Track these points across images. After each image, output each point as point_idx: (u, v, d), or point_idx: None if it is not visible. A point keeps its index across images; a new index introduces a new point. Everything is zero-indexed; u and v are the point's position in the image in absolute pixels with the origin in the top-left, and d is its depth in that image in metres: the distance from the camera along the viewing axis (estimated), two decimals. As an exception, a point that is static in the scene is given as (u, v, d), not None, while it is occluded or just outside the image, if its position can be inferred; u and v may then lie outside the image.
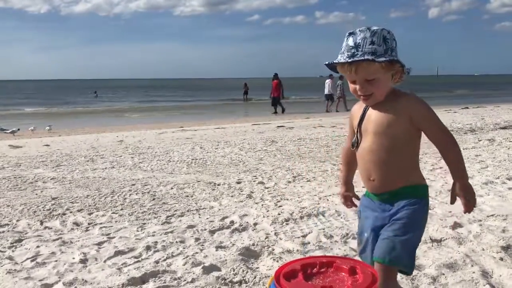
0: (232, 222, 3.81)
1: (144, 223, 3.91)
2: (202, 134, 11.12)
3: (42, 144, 10.06)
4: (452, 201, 1.88)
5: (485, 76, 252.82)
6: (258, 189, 5.02)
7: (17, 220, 4.08)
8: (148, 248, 3.25)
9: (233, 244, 3.30)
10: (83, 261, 3.07)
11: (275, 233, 3.52)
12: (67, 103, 33.98)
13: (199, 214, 4.13)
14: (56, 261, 3.09)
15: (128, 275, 2.79)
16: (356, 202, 2.16)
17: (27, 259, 3.14)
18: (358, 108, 1.99)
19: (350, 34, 1.80)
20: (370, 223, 1.95)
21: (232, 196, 4.76)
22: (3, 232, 3.74)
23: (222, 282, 2.69)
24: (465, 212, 1.87)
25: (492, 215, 3.73)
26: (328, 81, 20.45)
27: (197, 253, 3.16)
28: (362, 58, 1.74)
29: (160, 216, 4.10)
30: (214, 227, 3.71)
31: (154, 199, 4.76)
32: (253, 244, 3.26)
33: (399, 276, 2.12)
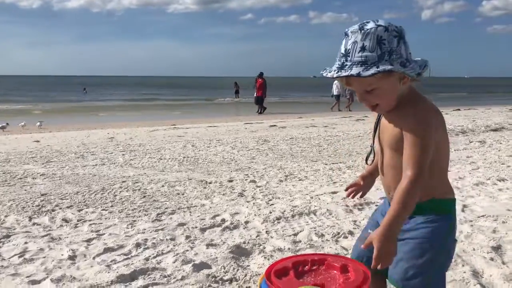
0: (223, 220, 3.79)
1: (134, 220, 3.87)
2: (194, 132, 11.08)
3: (32, 140, 9.97)
4: (364, 245, 1.55)
5: (476, 78, 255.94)
6: (249, 188, 5.00)
7: (5, 216, 4.02)
8: (138, 245, 3.22)
9: (224, 242, 3.27)
10: (72, 257, 3.03)
11: (266, 231, 3.50)
12: (55, 101, 33.53)
13: (190, 212, 4.10)
14: (44, 257, 3.05)
15: (117, 272, 2.76)
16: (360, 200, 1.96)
17: (15, 255, 3.09)
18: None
19: (345, 35, 1.52)
20: (378, 222, 1.67)
21: (223, 194, 4.73)
22: (-9, 227, 3.69)
23: (213, 279, 2.67)
24: (371, 266, 1.52)
25: (483, 216, 3.75)
26: (336, 81, 20.39)
27: (187, 250, 3.13)
28: (346, 74, 1.46)
29: (151, 214, 4.06)
30: (205, 225, 3.68)
31: (144, 196, 4.72)
32: (244, 242, 3.24)
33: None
